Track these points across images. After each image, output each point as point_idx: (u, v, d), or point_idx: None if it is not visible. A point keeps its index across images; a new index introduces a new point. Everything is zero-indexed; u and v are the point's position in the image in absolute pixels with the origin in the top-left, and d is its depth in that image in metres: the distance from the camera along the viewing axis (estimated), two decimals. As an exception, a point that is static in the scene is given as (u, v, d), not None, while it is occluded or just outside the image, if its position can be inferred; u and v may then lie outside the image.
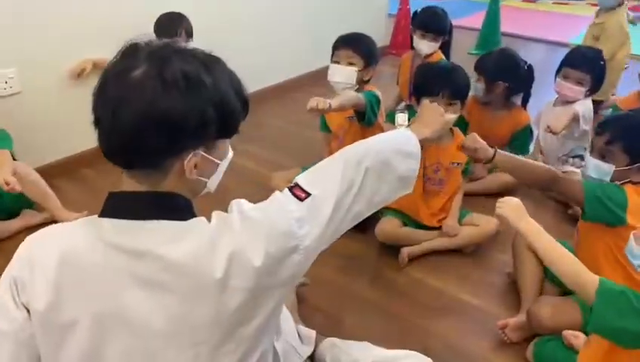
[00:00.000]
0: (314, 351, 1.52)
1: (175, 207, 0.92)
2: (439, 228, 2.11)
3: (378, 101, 2.19)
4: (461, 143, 1.75)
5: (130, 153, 0.87)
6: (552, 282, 1.84)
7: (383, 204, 1.14)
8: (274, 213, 0.96)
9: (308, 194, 1.00)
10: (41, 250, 0.91)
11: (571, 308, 1.64)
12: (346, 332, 1.70)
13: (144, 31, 2.45)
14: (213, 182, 1.01)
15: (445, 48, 3.12)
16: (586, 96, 2.56)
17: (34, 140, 2.40)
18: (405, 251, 2.04)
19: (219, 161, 0.97)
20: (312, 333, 1.55)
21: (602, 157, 1.65)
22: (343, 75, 2.23)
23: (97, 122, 0.88)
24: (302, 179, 1.04)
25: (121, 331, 0.88)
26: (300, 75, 3.82)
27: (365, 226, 2.12)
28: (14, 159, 2.04)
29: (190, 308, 0.88)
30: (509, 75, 2.45)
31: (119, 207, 0.91)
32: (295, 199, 0.99)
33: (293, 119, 3.26)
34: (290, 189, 1.01)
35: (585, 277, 1.17)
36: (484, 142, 1.69)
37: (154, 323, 0.88)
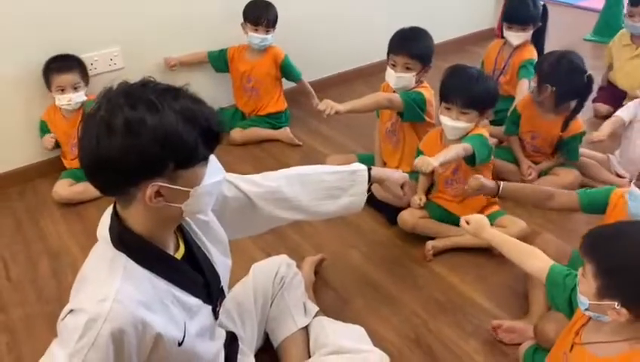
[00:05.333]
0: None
1: (114, 237, 1.09)
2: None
3: (423, 100, 2.24)
4: (466, 189, 1.89)
5: (93, 184, 1.06)
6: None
7: None
8: None
9: None
10: None
11: None
12: (350, 314, 1.87)
13: (234, 20, 2.81)
14: (190, 207, 1.09)
15: (538, 36, 3.02)
16: None
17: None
18: (430, 244, 2.13)
19: (188, 189, 1.05)
20: (314, 309, 1.73)
21: None
22: (401, 82, 2.26)
23: None
24: None
25: None
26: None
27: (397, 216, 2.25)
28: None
29: None
30: (559, 82, 2.33)
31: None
32: None
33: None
34: None
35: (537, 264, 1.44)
36: (487, 180, 1.84)
37: None
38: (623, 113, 2.48)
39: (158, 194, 1.02)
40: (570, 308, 1.37)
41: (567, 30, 4.48)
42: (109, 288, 1.03)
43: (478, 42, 4.12)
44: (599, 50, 4.15)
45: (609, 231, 1.27)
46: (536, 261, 1.45)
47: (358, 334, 1.65)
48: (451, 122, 2.02)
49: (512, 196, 1.91)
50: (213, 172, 1.11)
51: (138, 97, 0.99)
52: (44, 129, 2.61)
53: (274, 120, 3.07)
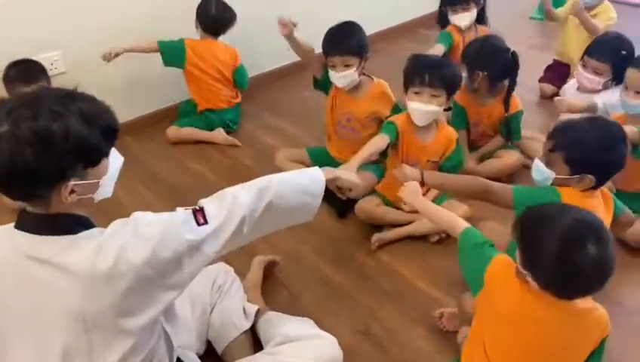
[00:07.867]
0: (255, 324, 1.73)
1: (63, 226, 1.12)
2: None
3: (399, 110, 2.30)
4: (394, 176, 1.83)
5: (8, 194, 1.10)
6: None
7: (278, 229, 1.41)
8: (167, 233, 1.15)
9: (206, 222, 1.20)
10: None
11: None
12: (301, 308, 1.91)
13: (179, 21, 2.78)
14: (101, 194, 1.17)
15: (480, 14, 3.07)
16: (605, 87, 2.51)
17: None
18: (375, 237, 2.18)
19: (97, 180, 1.14)
20: (254, 309, 1.75)
21: (547, 162, 1.64)
22: (345, 80, 2.29)
23: None
24: (208, 205, 1.23)
25: (17, 319, 1.15)
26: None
27: (348, 208, 2.30)
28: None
29: (84, 302, 1.10)
30: (488, 65, 2.41)
31: (25, 223, 1.14)
32: (194, 223, 1.19)
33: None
34: (194, 212, 1.21)
35: (457, 224, 1.50)
36: (412, 169, 1.79)
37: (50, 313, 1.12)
38: (598, 100, 2.46)
39: (71, 191, 1.09)
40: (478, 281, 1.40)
41: (512, 9, 4.56)
42: None
43: (429, 26, 4.15)
44: (544, 28, 4.26)
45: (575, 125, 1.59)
46: (458, 230, 1.50)
47: (305, 322, 1.68)
48: (424, 106, 2.04)
49: (438, 187, 1.86)
50: (115, 158, 1.20)
51: (38, 107, 1.03)
52: None
53: (222, 115, 3.01)
